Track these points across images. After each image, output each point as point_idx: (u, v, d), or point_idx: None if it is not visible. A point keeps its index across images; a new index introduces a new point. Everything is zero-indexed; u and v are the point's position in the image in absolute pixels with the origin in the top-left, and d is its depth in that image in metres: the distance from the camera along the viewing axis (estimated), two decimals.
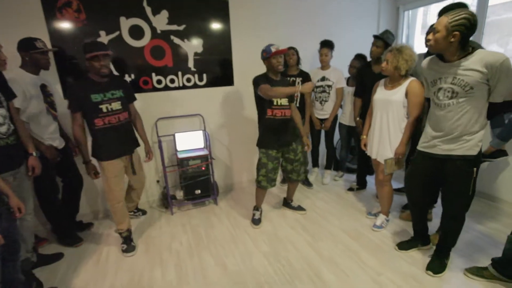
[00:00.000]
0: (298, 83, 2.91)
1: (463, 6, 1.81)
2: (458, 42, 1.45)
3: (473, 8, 2.90)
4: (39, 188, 2.07)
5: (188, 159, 2.74)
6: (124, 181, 2.23)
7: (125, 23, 2.54)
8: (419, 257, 1.99)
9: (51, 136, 2.12)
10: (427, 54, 2.11)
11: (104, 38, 2.50)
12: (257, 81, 2.22)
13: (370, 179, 3.21)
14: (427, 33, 2.04)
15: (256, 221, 2.54)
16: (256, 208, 2.60)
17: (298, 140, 2.45)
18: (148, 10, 2.58)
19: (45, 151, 2.04)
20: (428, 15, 3.96)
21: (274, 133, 2.31)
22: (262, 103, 2.27)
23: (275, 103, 2.24)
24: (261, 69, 2.33)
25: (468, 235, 2.20)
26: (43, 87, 2.10)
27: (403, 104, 2.04)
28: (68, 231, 2.36)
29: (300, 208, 2.74)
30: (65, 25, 2.37)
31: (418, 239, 2.08)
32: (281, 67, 2.22)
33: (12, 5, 2.20)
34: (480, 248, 2.06)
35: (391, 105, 2.07)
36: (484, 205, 2.68)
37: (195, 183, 2.81)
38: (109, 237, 2.46)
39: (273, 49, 2.16)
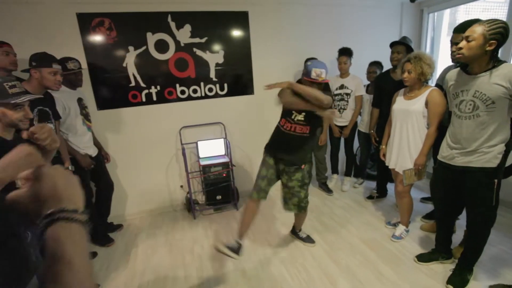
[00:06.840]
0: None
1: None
2: (491, 52, 1.43)
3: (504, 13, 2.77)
4: None
5: (209, 166, 2.87)
6: None
7: (151, 38, 2.71)
8: (440, 271, 1.95)
9: (86, 145, 2.33)
10: (455, 66, 2.07)
11: (132, 52, 2.68)
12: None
13: (391, 187, 3.15)
14: (453, 44, 2.00)
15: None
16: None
17: (300, 169, 2.05)
18: (173, 25, 2.74)
19: (81, 159, 2.24)
20: (457, 15, 3.81)
21: (278, 143, 2.07)
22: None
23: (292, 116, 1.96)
24: (281, 78, 2.34)
25: (494, 248, 2.11)
26: (80, 101, 2.31)
27: (423, 114, 2.02)
28: (100, 232, 2.56)
29: (309, 239, 2.39)
30: (98, 43, 2.58)
31: (439, 252, 2.04)
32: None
33: (53, 27, 2.43)
34: (507, 263, 1.98)
35: (411, 115, 2.06)
36: None
37: (216, 189, 2.93)
38: (137, 237, 2.64)
39: (313, 74, 1.83)
